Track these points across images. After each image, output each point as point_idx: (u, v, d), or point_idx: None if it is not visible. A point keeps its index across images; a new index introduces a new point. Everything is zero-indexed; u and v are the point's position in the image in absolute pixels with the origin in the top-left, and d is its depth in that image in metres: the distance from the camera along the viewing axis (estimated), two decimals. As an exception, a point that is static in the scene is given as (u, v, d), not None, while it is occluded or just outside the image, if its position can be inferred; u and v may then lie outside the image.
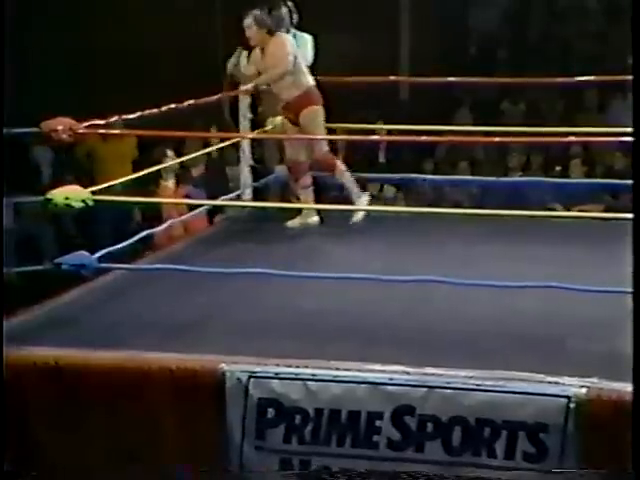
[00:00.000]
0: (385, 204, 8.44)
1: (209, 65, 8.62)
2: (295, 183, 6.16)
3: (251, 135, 6.39)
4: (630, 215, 3.78)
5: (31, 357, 3.89)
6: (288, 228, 6.00)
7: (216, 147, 6.68)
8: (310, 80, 5.94)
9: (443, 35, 10.71)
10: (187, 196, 7.07)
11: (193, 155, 6.09)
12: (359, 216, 5.93)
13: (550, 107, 9.81)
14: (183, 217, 6.28)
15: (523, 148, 8.79)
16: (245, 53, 6.59)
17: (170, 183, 7.00)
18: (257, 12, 5.84)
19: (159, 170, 6.56)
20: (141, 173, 5.80)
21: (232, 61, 6.74)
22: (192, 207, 6.49)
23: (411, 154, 9.10)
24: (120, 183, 5.44)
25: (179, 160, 6.36)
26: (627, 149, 8.13)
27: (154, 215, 6.81)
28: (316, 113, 5.89)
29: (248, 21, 5.84)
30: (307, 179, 6.05)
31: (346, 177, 6.00)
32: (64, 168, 8.35)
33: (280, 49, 5.81)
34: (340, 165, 6.02)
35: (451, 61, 10.32)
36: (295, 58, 5.83)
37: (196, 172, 7.41)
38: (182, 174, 7.10)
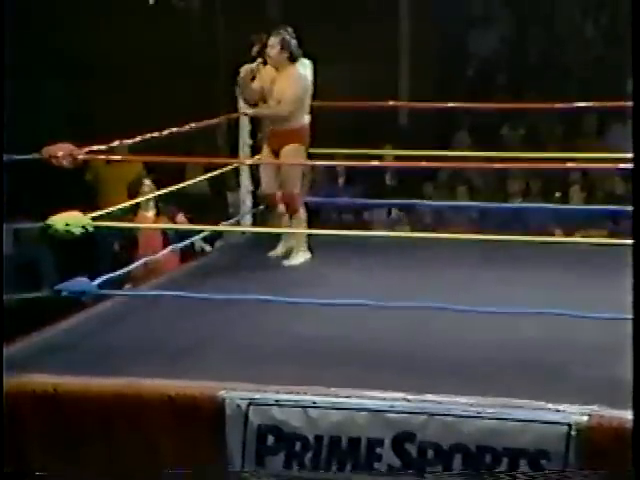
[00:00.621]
0: (390, 226, 8.44)
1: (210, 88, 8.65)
2: (273, 212, 6.07)
3: (250, 161, 6.39)
4: (629, 241, 3.78)
5: (30, 384, 3.88)
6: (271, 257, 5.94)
7: (216, 172, 6.65)
8: (306, 119, 5.89)
9: (443, 59, 10.74)
10: (164, 233, 6.85)
11: (171, 188, 5.93)
12: (278, 251, 5.94)
13: (549, 132, 9.82)
14: (164, 251, 5.98)
15: (523, 173, 8.80)
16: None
17: (150, 214, 6.76)
18: (285, 34, 5.80)
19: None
20: (125, 204, 5.76)
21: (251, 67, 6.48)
22: (168, 243, 6.25)
23: (416, 177, 9.11)
24: (119, 209, 5.44)
25: (160, 192, 6.21)
26: (627, 175, 8.16)
27: (132, 246, 6.69)
28: (297, 151, 5.83)
29: (273, 40, 5.79)
30: (303, 213, 5.95)
31: (300, 227, 5.90)
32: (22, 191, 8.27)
33: (293, 85, 5.77)
34: (302, 213, 5.93)
35: (450, 85, 10.36)
36: (303, 94, 5.80)
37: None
38: (164, 206, 6.87)
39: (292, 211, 5.91)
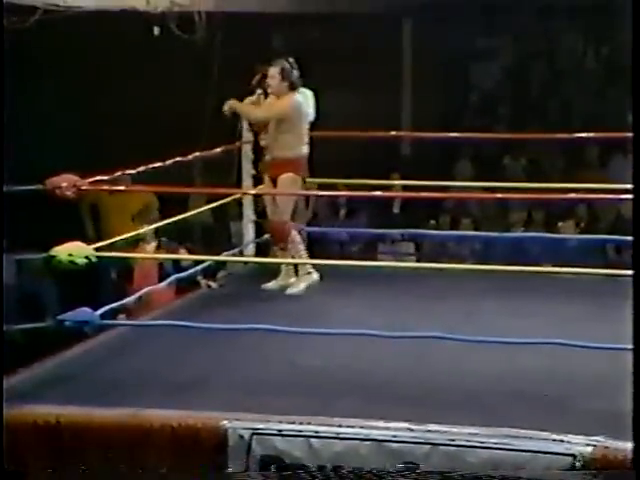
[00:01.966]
0: (396, 257, 8.44)
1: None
2: (277, 245, 6.08)
3: (253, 191, 6.40)
4: (630, 272, 3.78)
5: (32, 415, 3.87)
6: (267, 290, 5.93)
7: (219, 202, 6.65)
8: (304, 149, 5.93)
9: (445, 91, 10.80)
10: (160, 266, 6.81)
11: (171, 220, 5.90)
12: (274, 285, 5.94)
13: (551, 163, 9.86)
14: (160, 285, 5.85)
15: (525, 204, 8.82)
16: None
17: (150, 247, 6.73)
18: (285, 63, 5.87)
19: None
20: (127, 235, 5.76)
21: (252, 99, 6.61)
22: (164, 276, 6.20)
23: (423, 206, 9.14)
24: (121, 239, 5.45)
25: (162, 223, 6.19)
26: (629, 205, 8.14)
27: (128, 277, 6.65)
28: (293, 180, 5.87)
29: (274, 70, 5.86)
30: (295, 236, 5.96)
31: (298, 250, 5.93)
32: None
33: (284, 103, 5.84)
34: (294, 237, 5.94)
35: (453, 116, 10.40)
36: (300, 119, 5.84)
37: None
38: (166, 240, 6.83)
39: (283, 238, 5.92)
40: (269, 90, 5.92)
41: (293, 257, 5.92)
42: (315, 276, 5.96)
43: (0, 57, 4.95)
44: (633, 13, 3.59)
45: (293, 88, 5.87)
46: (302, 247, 5.98)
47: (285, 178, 5.87)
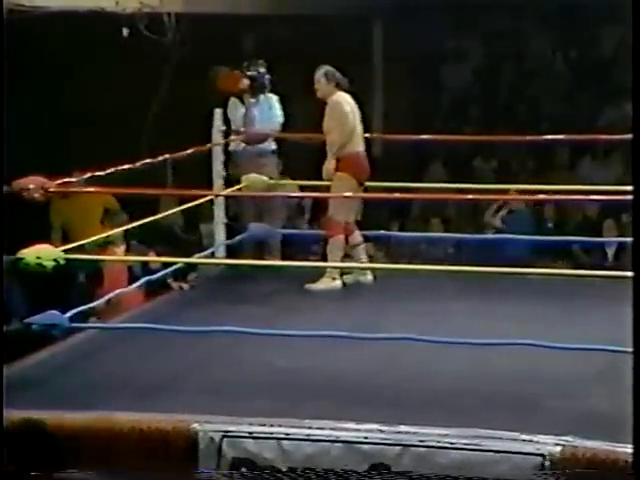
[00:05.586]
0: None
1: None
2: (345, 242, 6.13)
3: (224, 192, 6.38)
4: (604, 272, 3.80)
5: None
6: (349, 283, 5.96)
7: (190, 204, 6.61)
8: (354, 147, 5.99)
9: (416, 93, 10.82)
10: (130, 269, 6.77)
11: (144, 220, 5.86)
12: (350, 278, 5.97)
13: (521, 165, 9.91)
14: (130, 288, 5.83)
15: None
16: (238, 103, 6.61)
17: (120, 250, 6.69)
18: (328, 67, 5.99)
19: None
20: (95, 238, 5.71)
21: (239, 113, 6.64)
22: (133, 279, 6.19)
23: (387, 210, 9.13)
24: (90, 242, 5.42)
25: (133, 225, 6.14)
26: (597, 206, 8.22)
27: (97, 279, 6.61)
28: (341, 180, 5.92)
29: (318, 74, 5.97)
30: (337, 240, 5.99)
31: (335, 253, 5.95)
32: None
33: (336, 115, 5.90)
34: (338, 239, 5.96)
35: (423, 119, 10.43)
36: (352, 122, 5.92)
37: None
38: (135, 244, 6.77)
39: (330, 234, 5.98)
40: (318, 94, 5.97)
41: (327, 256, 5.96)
42: (338, 283, 5.94)
43: (0, 57, 4.88)
44: (633, 13, 3.60)
45: (339, 87, 5.94)
46: (338, 253, 5.97)
47: (336, 177, 5.94)
